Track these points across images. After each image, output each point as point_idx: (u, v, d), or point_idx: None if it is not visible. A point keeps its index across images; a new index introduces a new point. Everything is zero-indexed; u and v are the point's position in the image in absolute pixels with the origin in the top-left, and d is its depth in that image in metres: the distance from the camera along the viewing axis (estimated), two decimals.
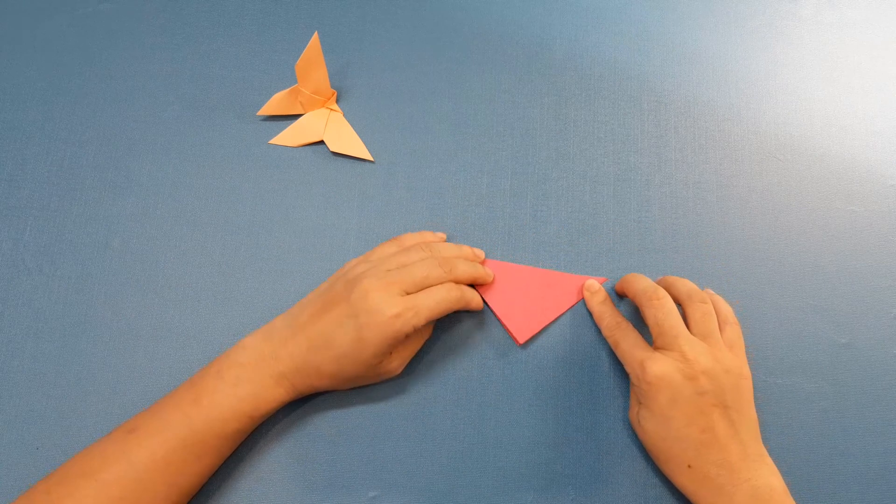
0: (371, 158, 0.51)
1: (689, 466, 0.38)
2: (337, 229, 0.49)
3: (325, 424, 0.44)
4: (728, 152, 0.51)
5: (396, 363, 0.42)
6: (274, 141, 0.51)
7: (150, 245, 0.48)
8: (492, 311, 0.46)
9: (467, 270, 0.44)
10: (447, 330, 0.46)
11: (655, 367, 0.39)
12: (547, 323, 0.46)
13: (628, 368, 0.41)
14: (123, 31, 0.54)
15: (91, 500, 0.36)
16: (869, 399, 0.45)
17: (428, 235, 0.47)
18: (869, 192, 0.50)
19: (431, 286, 0.41)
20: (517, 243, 0.49)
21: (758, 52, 0.54)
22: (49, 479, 0.37)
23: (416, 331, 0.40)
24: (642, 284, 0.43)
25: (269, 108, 0.51)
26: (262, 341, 0.41)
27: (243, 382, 0.39)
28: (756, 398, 0.45)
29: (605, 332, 0.44)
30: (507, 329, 0.46)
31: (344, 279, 0.42)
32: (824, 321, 0.47)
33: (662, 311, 0.41)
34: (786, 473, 0.41)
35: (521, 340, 0.45)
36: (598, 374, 0.45)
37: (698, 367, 0.39)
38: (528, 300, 0.46)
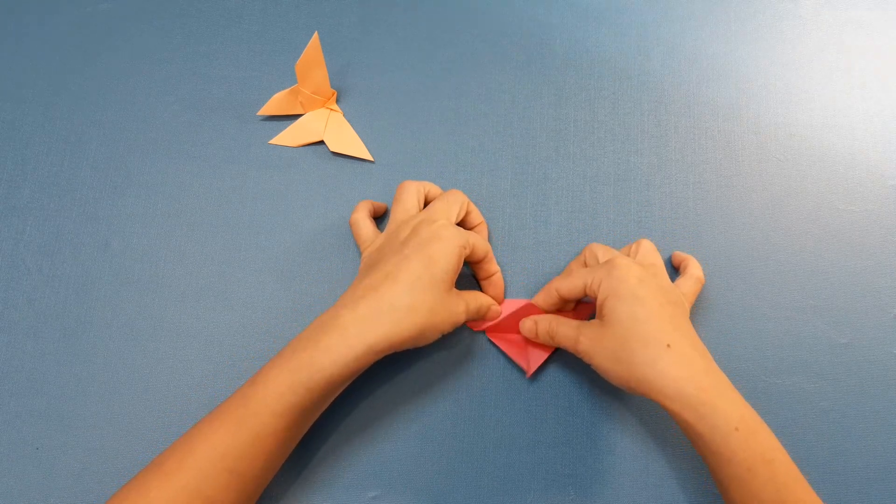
0: (371, 158, 0.51)
1: (669, 346, 0.37)
2: (337, 229, 0.49)
3: (326, 424, 0.44)
4: (728, 152, 0.51)
5: (462, 307, 0.41)
6: (274, 141, 0.51)
7: (150, 245, 0.48)
8: (498, 346, 0.46)
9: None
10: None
11: (620, 260, 0.40)
12: (548, 354, 0.45)
13: (590, 280, 0.40)
14: (123, 31, 0.54)
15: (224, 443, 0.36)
16: (869, 399, 0.45)
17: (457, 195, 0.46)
18: (869, 192, 0.50)
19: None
20: (517, 243, 0.49)
21: (758, 52, 0.54)
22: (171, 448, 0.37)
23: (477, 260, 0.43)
24: (570, 268, 0.46)
25: (269, 108, 0.51)
26: (327, 312, 0.40)
27: (298, 351, 0.38)
28: (756, 398, 0.45)
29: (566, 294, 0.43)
30: (517, 362, 0.45)
31: (388, 244, 0.42)
32: (824, 321, 0.47)
33: (601, 247, 0.44)
34: None
35: (529, 373, 0.44)
36: (599, 374, 0.45)
37: (653, 271, 0.41)
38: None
